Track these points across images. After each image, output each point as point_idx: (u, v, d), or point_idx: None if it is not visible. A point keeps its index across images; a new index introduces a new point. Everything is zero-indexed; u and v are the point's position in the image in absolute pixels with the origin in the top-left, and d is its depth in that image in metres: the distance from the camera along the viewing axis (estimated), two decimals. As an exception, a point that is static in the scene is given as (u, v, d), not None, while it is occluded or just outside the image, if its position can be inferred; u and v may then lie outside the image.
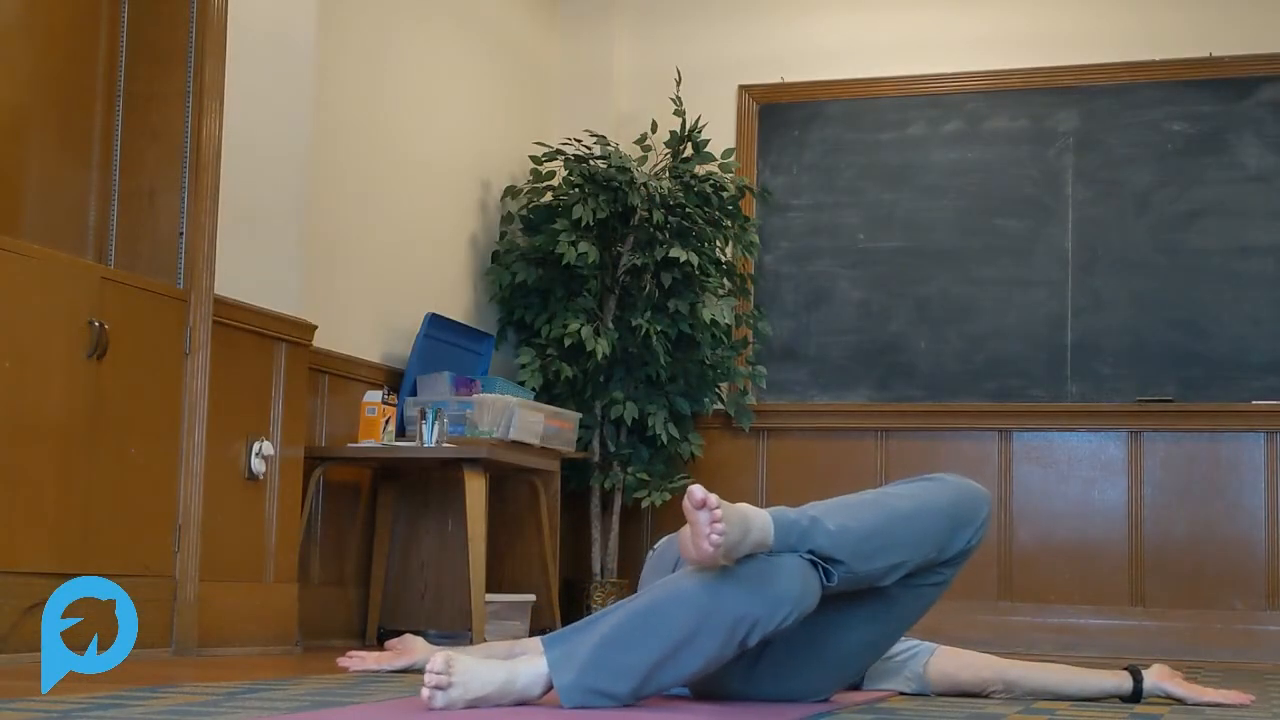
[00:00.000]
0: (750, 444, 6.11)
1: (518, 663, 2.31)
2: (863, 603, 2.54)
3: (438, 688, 2.21)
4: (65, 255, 3.58)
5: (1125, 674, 2.93)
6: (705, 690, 2.59)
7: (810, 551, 2.37)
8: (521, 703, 2.30)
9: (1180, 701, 2.90)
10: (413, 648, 3.23)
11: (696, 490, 2.24)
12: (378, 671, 3.17)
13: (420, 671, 3.21)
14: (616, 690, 2.29)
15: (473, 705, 2.24)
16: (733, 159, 5.95)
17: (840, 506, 2.47)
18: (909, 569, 2.50)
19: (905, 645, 2.99)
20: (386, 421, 4.69)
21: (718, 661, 2.34)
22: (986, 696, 2.96)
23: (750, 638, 2.30)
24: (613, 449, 5.75)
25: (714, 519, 2.24)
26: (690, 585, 2.32)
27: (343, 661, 3.23)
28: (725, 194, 5.79)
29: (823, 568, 2.38)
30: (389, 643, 3.29)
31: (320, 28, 4.49)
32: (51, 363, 3.40)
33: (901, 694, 2.96)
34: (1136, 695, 2.91)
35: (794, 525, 2.38)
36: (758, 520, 2.33)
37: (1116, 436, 5.77)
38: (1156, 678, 2.92)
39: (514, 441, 4.88)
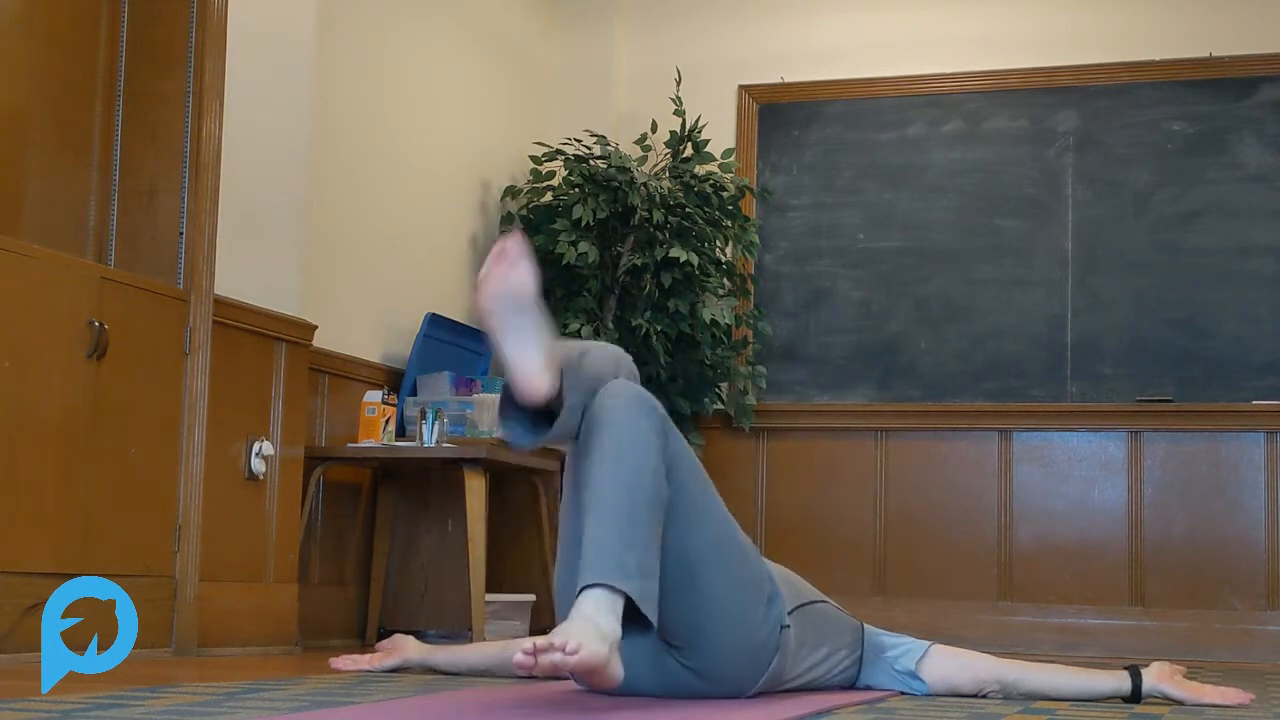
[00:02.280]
0: (750, 444, 6.11)
1: None
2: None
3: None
4: (65, 255, 3.58)
5: (1124, 674, 2.92)
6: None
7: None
8: None
9: (1179, 703, 2.89)
10: (403, 647, 3.24)
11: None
12: (370, 672, 3.17)
13: (414, 671, 3.22)
14: None
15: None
16: (733, 159, 5.96)
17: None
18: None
19: (897, 641, 2.99)
20: (386, 421, 4.69)
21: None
22: (984, 697, 2.95)
23: None
24: (613, 449, 5.74)
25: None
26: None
27: (335, 663, 3.23)
28: (725, 194, 5.79)
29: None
30: (379, 644, 3.30)
31: (320, 28, 4.49)
32: (51, 363, 3.40)
33: (901, 694, 2.96)
34: (1136, 696, 2.90)
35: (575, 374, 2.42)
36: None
37: (1116, 436, 5.77)
38: (1155, 679, 2.90)
39: (514, 441, 4.87)
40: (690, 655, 2.55)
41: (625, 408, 2.39)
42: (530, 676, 3.07)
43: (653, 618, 2.26)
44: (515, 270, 2.26)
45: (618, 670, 2.17)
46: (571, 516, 2.47)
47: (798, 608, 2.76)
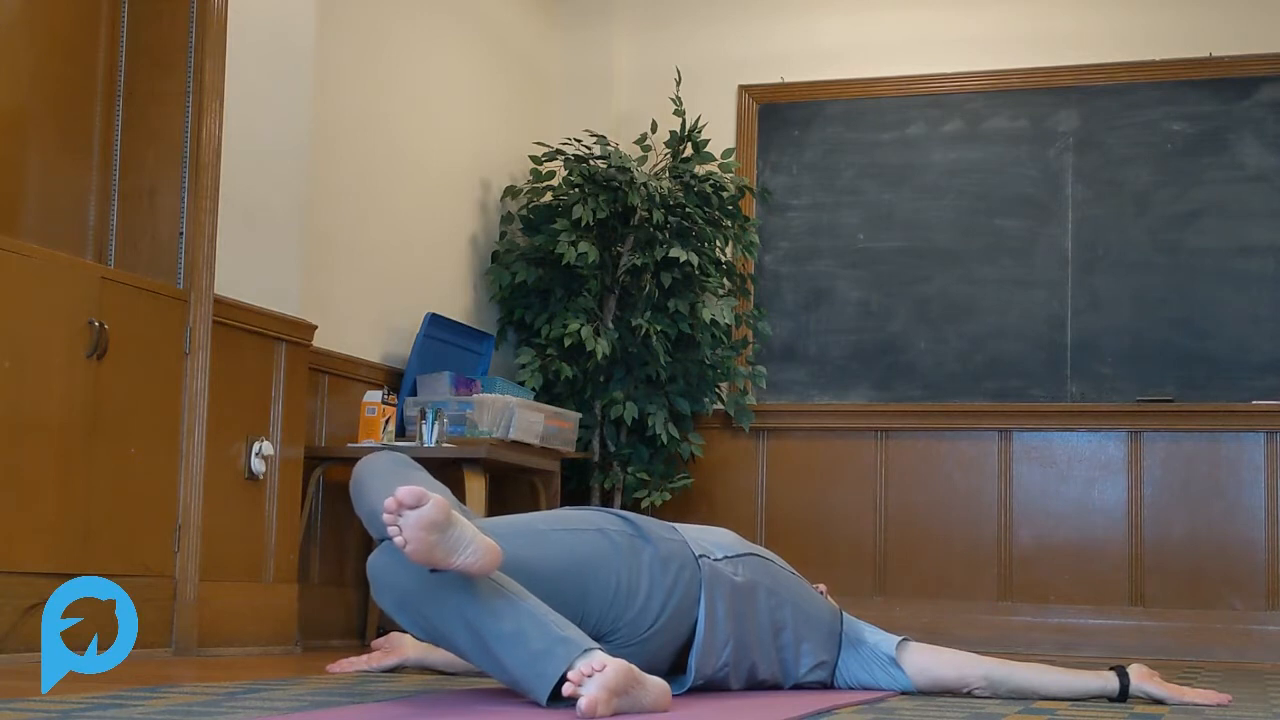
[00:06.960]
0: (750, 444, 6.11)
1: None
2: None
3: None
4: (65, 255, 3.58)
5: (1110, 674, 2.94)
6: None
7: None
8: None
9: (1161, 702, 2.91)
10: (401, 646, 3.24)
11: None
12: (368, 673, 3.17)
13: (411, 671, 3.22)
14: None
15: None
16: (732, 159, 5.96)
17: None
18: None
19: (874, 629, 3.02)
20: (386, 421, 4.69)
21: None
22: (968, 694, 2.95)
23: None
24: (613, 449, 5.75)
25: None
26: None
27: (332, 668, 3.23)
28: (725, 194, 5.79)
29: None
30: (375, 641, 3.30)
31: (319, 28, 4.49)
32: (51, 363, 3.40)
33: (887, 691, 2.96)
34: (1123, 694, 2.92)
35: None
36: None
37: (1116, 436, 5.77)
38: (1137, 679, 2.94)
39: (514, 441, 4.88)
40: (624, 636, 2.61)
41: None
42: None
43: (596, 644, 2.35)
44: (420, 516, 2.23)
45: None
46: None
47: (743, 555, 2.86)
